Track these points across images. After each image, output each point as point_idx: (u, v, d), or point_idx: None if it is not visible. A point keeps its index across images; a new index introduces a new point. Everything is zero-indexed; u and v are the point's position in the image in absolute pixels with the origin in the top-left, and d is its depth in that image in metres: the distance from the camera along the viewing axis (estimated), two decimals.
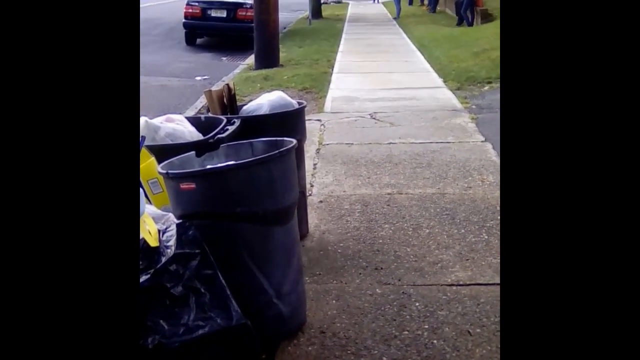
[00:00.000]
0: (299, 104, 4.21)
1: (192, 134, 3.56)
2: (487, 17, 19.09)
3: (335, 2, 37.32)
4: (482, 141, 6.79)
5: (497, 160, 6.01)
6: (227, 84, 4.25)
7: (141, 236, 2.44)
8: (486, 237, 4.28)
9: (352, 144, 6.83)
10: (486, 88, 9.81)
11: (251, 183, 2.86)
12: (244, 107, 4.16)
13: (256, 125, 3.81)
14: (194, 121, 3.74)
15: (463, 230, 4.40)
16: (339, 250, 4.16)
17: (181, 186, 2.84)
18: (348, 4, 35.92)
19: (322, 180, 5.60)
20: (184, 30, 17.82)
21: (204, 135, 3.49)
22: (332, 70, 12.32)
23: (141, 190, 2.53)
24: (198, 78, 12.34)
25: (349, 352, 3.07)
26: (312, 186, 5.40)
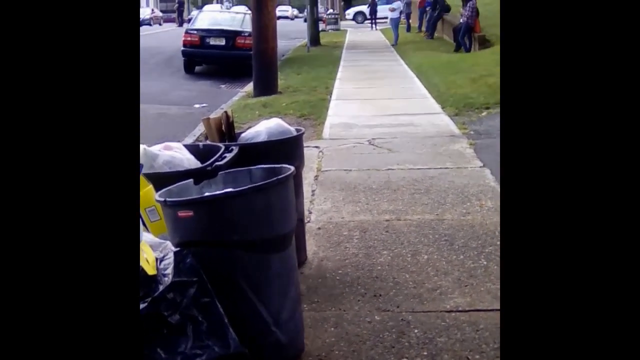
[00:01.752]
0: (297, 130, 4.23)
1: (190, 161, 3.57)
2: (484, 43, 19.20)
3: (333, 29, 37.54)
4: (480, 167, 6.80)
5: (496, 185, 6.02)
6: (226, 112, 4.27)
7: None
8: (485, 262, 4.27)
9: (351, 170, 6.84)
10: (484, 114, 9.84)
11: (249, 211, 2.86)
12: (242, 135, 4.17)
13: (254, 152, 3.82)
14: (192, 149, 3.75)
15: (462, 256, 4.39)
16: (338, 277, 4.15)
17: (179, 214, 2.84)
18: (346, 30, 36.13)
19: (320, 206, 5.60)
20: (183, 58, 17.92)
21: (202, 163, 3.50)
22: (331, 97, 12.36)
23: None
24: (197, 106, 12.39)
25: None
26: (310, 213, 5.40)
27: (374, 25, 38.09)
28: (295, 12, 65.64)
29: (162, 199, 2.88)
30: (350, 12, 51.97)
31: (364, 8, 49.83)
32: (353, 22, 47.33)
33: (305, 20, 30.49)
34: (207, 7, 27.59)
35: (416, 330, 3.46)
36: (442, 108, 10.61)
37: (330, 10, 46.72)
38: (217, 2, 47.56)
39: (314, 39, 25.89)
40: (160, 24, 48.66)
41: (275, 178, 2.99)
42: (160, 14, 54.54)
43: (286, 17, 61.01)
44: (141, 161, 3.24)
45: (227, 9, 28.11)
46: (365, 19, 46.67)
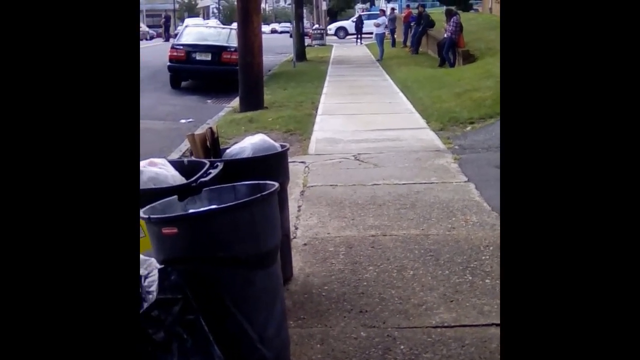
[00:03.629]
0: (282, 146, 4.23)
1: (174, 177, 3.56)
2: (468, 58, 19.31)
3: (319, 44, 37.66)
4: (465, 181, 6.82)
5: (480, 200, 6.04)
6: (211, 127, 4.27)
7: None
8: (470, 277, 4.28)
9: (337, 185, 6.84)
10: (469, 128, 9.88)
11: (233, 227, 2.85)
12: (227, 151, 4.17)
13: (239, 168, 3.82)
14: (177, 165, 3.74)
15: (447, 272, 4.40)
16: (324, 294, 4.14)
17: (163, 231, 2.83)
18: (332, 46, 36.25)
19: (306, 222, 5.60)
20: (169, 73, 17.91)
21: (186, 179, 3.49)
22: (316, 112, 12.38)
23: None
24: (183, 121, 12.38)
25: None
26: (296, 228, 5.39)
27: (359, 41, 38.23)
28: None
29: (147, 216, 2.86)
30: (332, 27, 51.95)
31: (346, 23, 50.10)
32: (336, 37, 47.36)
33: (291, 36, 30.57)
34: (189, 21, 27.57)
35: (402, 347, 3.45)
36: (427, 123, 10.65)
37: (316, 26, 46.83)
38: (202, 17, 47.57)
39: (300, 54, 25.96)
40: (147, 39, 48.48)
41: (259, 194, 2.99)
42: (147, 29, 54.34)
43: (287, 32, 60.72)
44: None
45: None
46: (347, 34, 46.90)
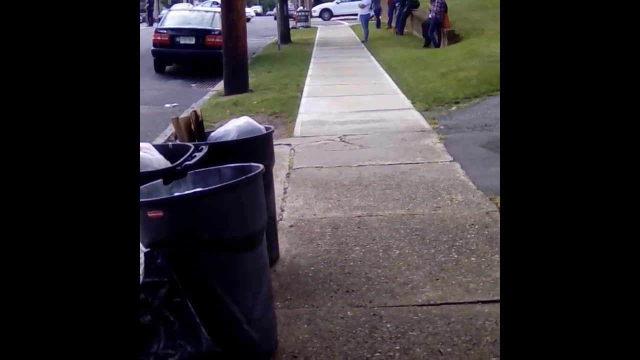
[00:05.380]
0: (267, 129, 4.23)
1: (159, 161, 3.55)
2: (453, 38, 19.29)
3: (303, 26, 37.47)
4: (450, 161, 6.85)
5: (466, 179, 6.07)
6: (195, 111, 4.26)
7: None
8: (456, 256, 4.31)
9: (322, 167, 6.86)
10: (454, 108, 9.91)
11: (219, 210, 2.86)
12: (212, 134, 4.17)
13: (224, 151, 3.81)
14: (162, 149, 3.73)
15: (433, 250, 4.43)
16: (310, 274, 4.16)
17: (148, 214, 2.83)
18: (317, 28, 36.09)
19: (292, 204, 5.61)
20: (153, 58, 17.81)
21: (171, 163, 3.49)
22: (302, 94, 12.36)
23: None
24: (167, 105, 12.33)
25: None
26: (282, 210, 5.40)
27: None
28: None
29: None
30: (317, 9, 51.46)
31: (331, 5, 49.76)
32: (320, 19, 47.05)
33: (275, 18, 30.41)
34: (176, 6, 27.39)
35: (388, 325, 3.48)
36: (412, 103, 10.66)
37: (301, 8, 46.60)
38: (187, 1, 47.07)
39: (285, 37, 25.83)
40: None
41: (244, 177, 2.99)
42: None
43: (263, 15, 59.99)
44: None
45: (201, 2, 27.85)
46: (332, 15, 46.62)
